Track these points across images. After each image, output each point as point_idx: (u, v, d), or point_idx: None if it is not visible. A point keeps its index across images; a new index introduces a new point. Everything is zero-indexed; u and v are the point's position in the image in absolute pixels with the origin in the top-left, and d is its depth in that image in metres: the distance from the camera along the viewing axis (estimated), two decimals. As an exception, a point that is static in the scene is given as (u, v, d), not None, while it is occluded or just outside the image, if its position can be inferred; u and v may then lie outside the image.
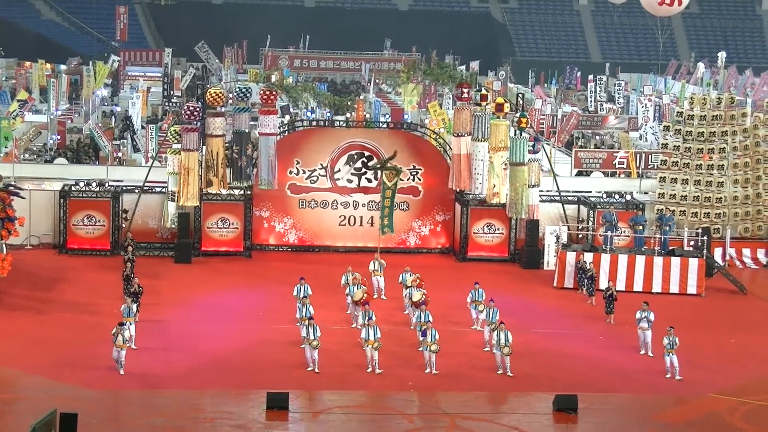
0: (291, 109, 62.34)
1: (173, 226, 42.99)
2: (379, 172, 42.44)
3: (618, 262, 40.36)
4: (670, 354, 31.15)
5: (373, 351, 30.76)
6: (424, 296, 34.04)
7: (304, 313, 32.53)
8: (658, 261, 40.40)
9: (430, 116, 53.56)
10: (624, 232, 43.27)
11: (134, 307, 32.48)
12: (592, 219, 44.14)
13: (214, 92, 43.22)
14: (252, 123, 47.91)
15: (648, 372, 31.67)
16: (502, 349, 30.89)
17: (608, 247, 41.22)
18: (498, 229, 44.17)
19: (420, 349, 31.64)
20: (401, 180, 42.72)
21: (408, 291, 35.49)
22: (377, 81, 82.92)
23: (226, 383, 29.90)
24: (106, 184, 44.23)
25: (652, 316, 33.13)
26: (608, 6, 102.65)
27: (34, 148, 55.37)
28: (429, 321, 32.05)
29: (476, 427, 27.37)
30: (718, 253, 44.09)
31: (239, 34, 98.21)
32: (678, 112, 48.16)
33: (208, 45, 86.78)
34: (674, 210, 45.45)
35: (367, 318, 31.70)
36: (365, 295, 34.49)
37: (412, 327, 34.18)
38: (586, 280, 39.26)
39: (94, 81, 69.83)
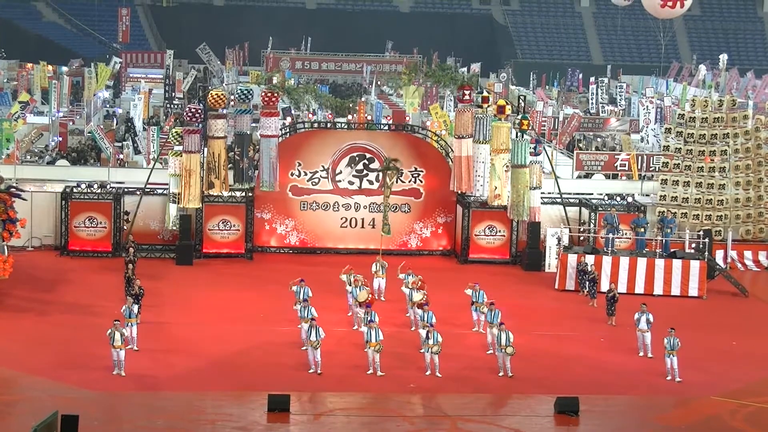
0: (292, 111, 62.40)
1: (175, 227, 43.00)
2: (381, 173, 42.49)
3: (619, 264, 40.35)
4: (671, 356, 31.15)
5: (375, 353, 30.77)
6: (424, 297, 34.09)
7: (305, 315, 32.53)
8: (659, 263, 40.39)
9: (432, 118, 53.64)
10: (625, 234, 43.25)
11: (135, 308, 32.50)
12: (593, 221, 44.14)
13: (216, 94, 43.23)
14: (253, 125, 47.95)
15: (649, 374, 31.67)
16: (504, 350, 30.88)
17: (609, 249, 41.21)
18: (499, 231, 44.17)
19: (422, 350, 31.63)
20: (402, 181, 42.72)
21: (409, 292, 35.49)
22: (379, 83, 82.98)
23: (227, 385, 29.91)
24: (108, 186, 44.23)
25: (651, 317, 33.13)
26: (610, 8, 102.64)
27: (36, 150, 55.42)
28: (432, 323, 32.03)
29: (477, 429, 27.36)
30: (719, 255, 44.06)
31: (241, 35, 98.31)
32: (679, 114, 48.17)
33: (209, 47, 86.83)
34: (675, 212, 45.43)
35: (369, 320, 31.70)
36: (369, 296, 34.53)
37: (413, 329, 34.21)
38: (587, 283, 39.27)
39: (95, 83, 69.97)
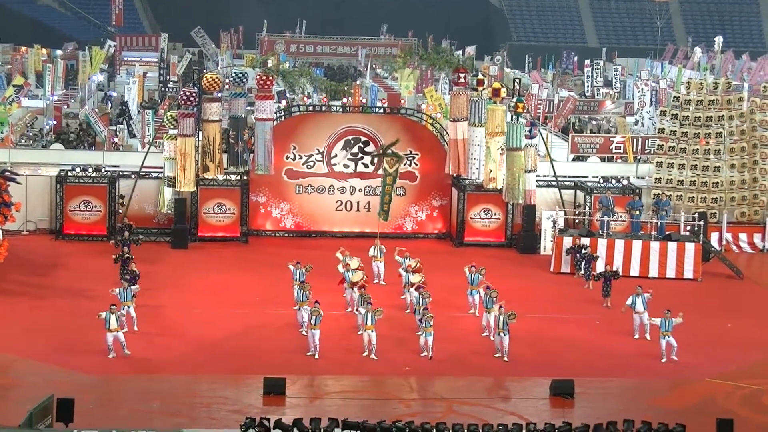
0: (287, 95, 62.26)
1: (170, 211, 42.98)
2: (379, 158, 42.42)
3: (615, 246, 40.38)
4: (667, 337, 31.18)
5: (371, 335, 30.75)
6: (422, 280, 34.10)
7: (301, 297, 32.52)
8: (654, 246, 40.42)
9: (427, 101, 53.52)
10: (621, 216, 43.27)
11: (130, 291, 32.30)
12: (588, 204, 44.15)
13: (211, 77, 43.17)
14: (248, 108, 47.84)
15: (644, 356, 31.70)
16: (501, 333, 30.81)
17: (605, 231, 41.22)
18: (495, 214, 44.16)
19: (418, 333, 31.63)
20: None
21: (405, 275, 35.49)
22: (374, 66, 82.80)
23: (222, 368, 29.92)
24: (103, 170, 44.18)
25: (645, 298, 33.12)
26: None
27: (31, 134, 55.30)
28: (426, 306, 31.99)
29: (473, 411, 27.38)
30: (714, 237, 44.10)
31: (235, 19, 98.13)
32: (675, 96, 48.15)
33: (204, 30, 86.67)
34: (671, 195, 45.42)
35: (365, 303, 31.66)
36: (365, 276, 34.47)
37: (407, 312, 34.20)
38: (583, 264, 39.28)
39: (90, 66, 69.84)
